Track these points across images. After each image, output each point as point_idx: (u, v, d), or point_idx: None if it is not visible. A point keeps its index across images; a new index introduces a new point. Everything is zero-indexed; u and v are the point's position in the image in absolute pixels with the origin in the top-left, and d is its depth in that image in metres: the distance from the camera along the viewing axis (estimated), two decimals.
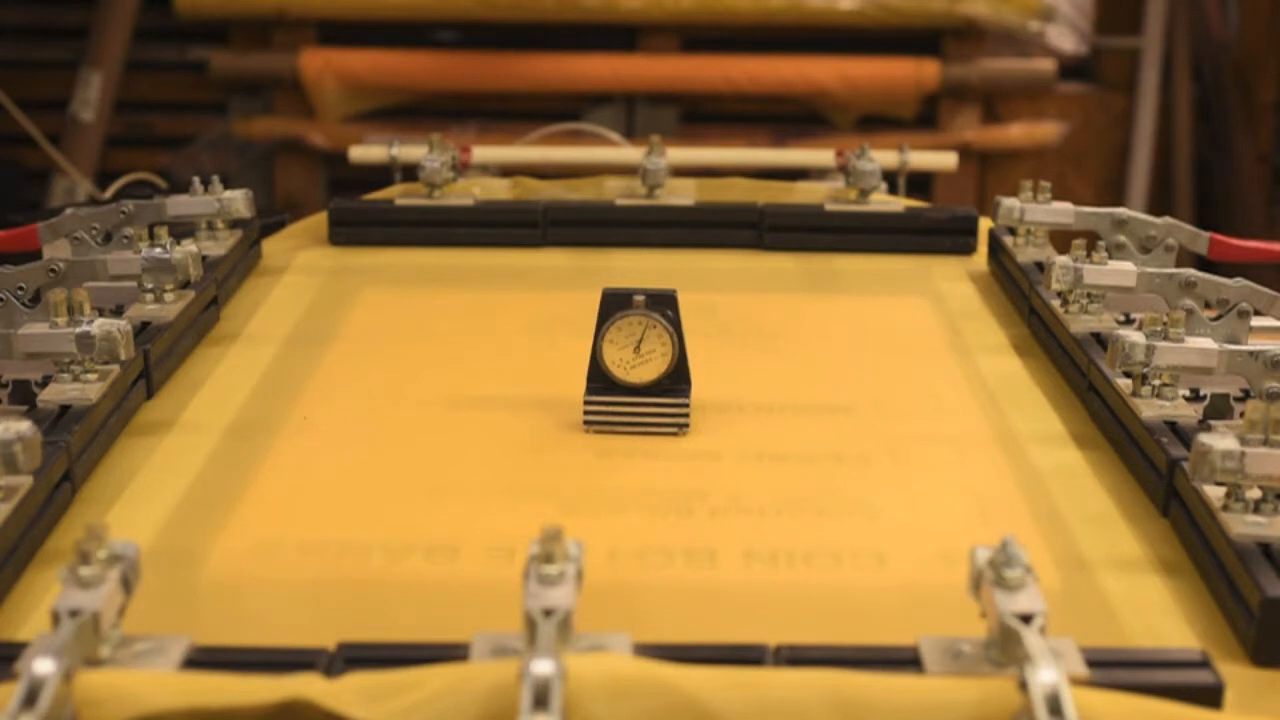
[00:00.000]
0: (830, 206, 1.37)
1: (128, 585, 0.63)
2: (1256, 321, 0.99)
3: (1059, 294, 1.07)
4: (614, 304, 0.93)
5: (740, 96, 2.73)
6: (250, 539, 0.80)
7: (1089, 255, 1.05)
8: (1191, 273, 1.01)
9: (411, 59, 2.72)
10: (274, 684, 0.57)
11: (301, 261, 1.30)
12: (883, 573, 0.78)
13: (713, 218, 1.36)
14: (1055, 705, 0.54)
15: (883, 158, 1.40)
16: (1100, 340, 1.00)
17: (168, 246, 1.06)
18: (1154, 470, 0.85)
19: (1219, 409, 1.00)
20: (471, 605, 0.74)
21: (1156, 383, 0.91)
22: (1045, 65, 2.78)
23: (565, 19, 2.67)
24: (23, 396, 1.00)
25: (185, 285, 1.08)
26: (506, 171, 1.61)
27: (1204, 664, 0.63)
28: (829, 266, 1.31)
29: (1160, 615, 0.73)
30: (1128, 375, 0.92)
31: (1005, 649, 0.60)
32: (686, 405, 0.94)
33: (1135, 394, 0.91)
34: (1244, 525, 0.73)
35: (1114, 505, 0.85)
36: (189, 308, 1.06)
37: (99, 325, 0.90)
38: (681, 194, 1.39)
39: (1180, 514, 0.80)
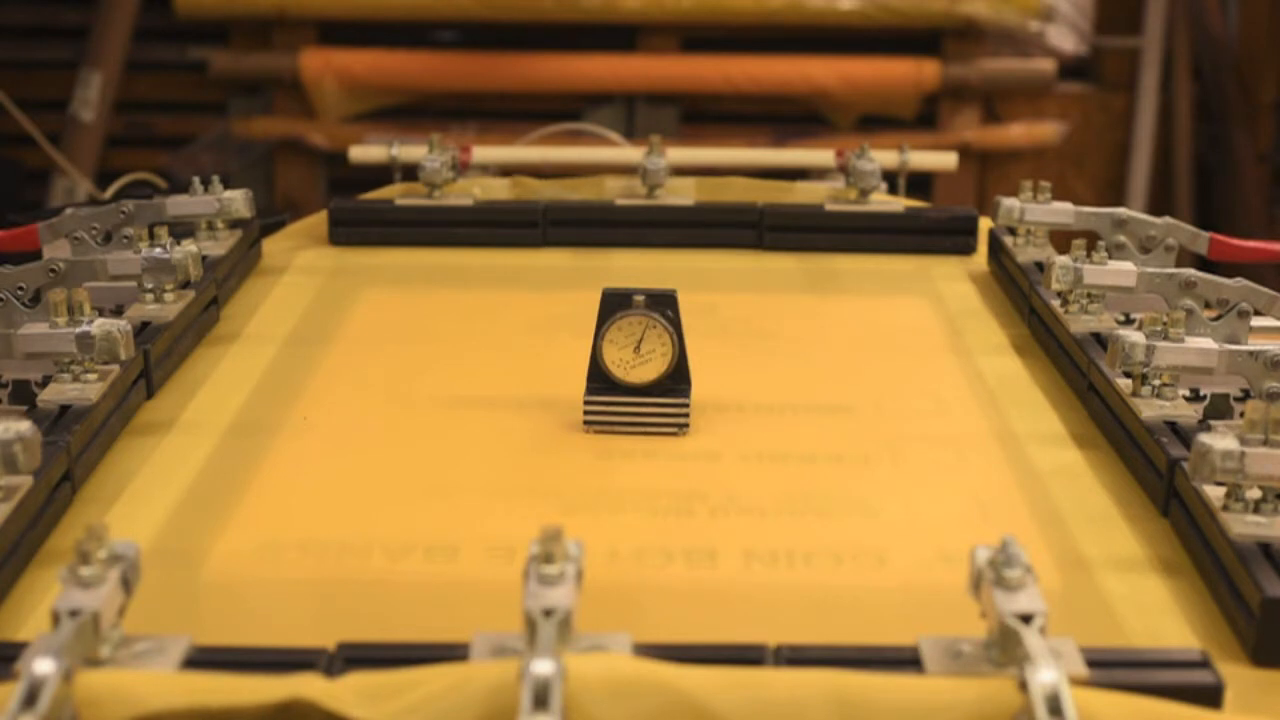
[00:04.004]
0: (830, 206, 1.37)
1: (128, 585, 0.63)
2: (1256, 321, 0.99)
3: (1059, 294, 1.07)
4: (614, 304, 0.93)
5: (740, 96, 2.73)
6: (250, 539, 0.80)
7: (1089, 255, 1.05)
8: (1191, 273, 1.01)
9: (411, 59, 2.72)
10: (274, 684, 0.57)
11: (301, 261, 1.30)
12: (883, 573, 0.78)
13: (713, 218, 1.36)
14: (1055, 705, 0.54)
15: (883, 158, 1.40)
16: (1100, 340, 1.00)
17: (168, 246, 1.06)
18: (1154, 470, 0.85)
19: (1219, 409, 1.00)
20: (471, 605, 0.74)
21: (1156, 383, 0.91)
22: (1045, 65, 2.78)
23: (565, 19, 2.67)
24: (23, 396, 1.00)
25: (185, 285, 1.08)
26: (506, 171, 1.61)
27: (1204, 664, 0.63)
28: (829, 266, 1.31)
29: (1160, 615, 0.73)
30: (1128, 375, 0.92)
31: (1005, 649, 0.60)
32: (686, 405, 0.94)
33: (1135, 394, 0.91)
34: (1244, 525, 0.73)
35: (1114, 505, 0.85)
36: (189, 308, 1.06)
37: (99, 325, 0.90)
38: (681, 194, 1.39)
39: (1180, 514, 0.80)
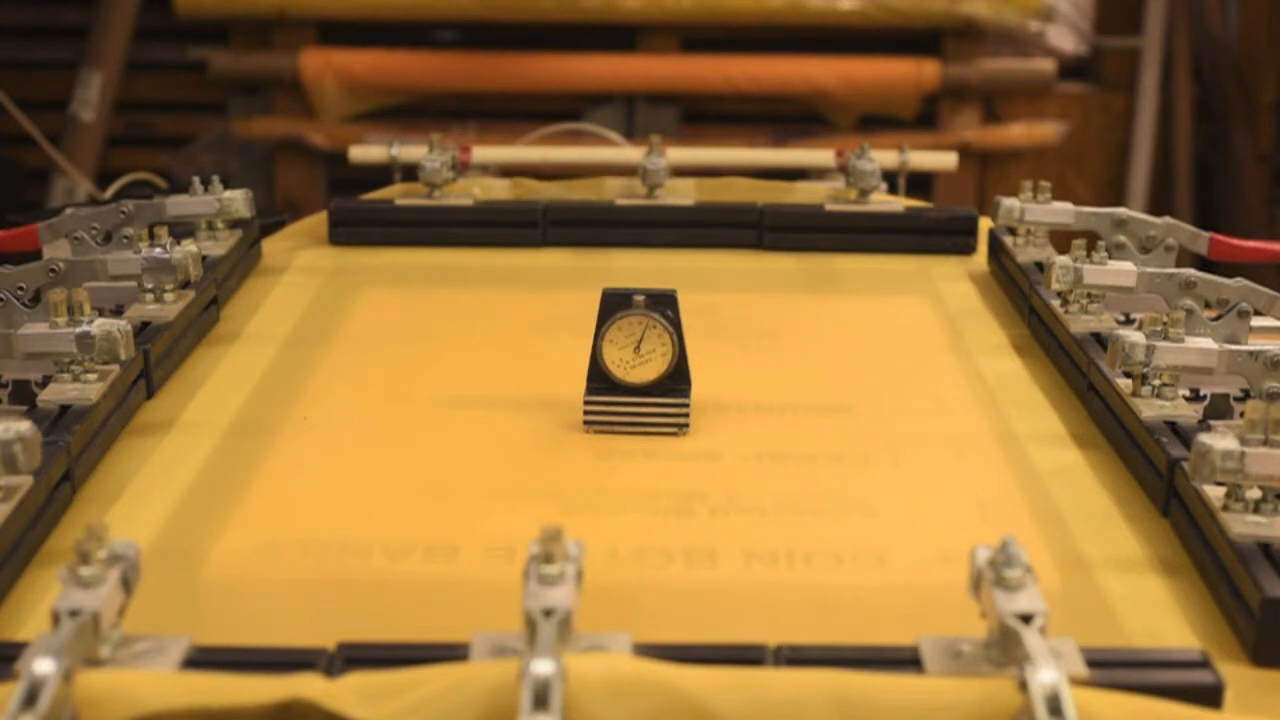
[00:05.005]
0: (830, 206, 1.37)
1: (128, 585, 0.63)
2: (1256, 321, 0.99)
3: (1059, 294, 1.07)
4: (614, 304, 0.93)
5: (740, 96, 2.73)
6: (250, 539, 0.80)
7: (1089, 255, 1.05)
8: (1191, 273, 1.01)
9: (411, 59, 2.72)
10: (274, 684, 0.57)
11: (301, 261, 1.30)
12: (883, 573, 0.78)
13: (713, 218, 1.36)
14: (1055, 705, 0.54)
15: (883, 158, 1.40)
16: (1100, 340, 1.00)
17: (168, 246, 1.06)
18: (1154, 470, 0.85)
19: (1219, 409, 1.00)
20: (471, 605, 0.74)
21: (1156, 383, 0.91)
22: (1045, 65, 2.78)
23: (565, 19, 2.67)
24: (23, 396, 1.00)
25: (185, 285, 1.08)
26: (506, 171, 1.61)
27: (1204, 664, 0.63)
28: (829, 266, 1.31)
29: (1160, 615, 0.73)
30: (1128, 375, 0.92)
31: (1005, 649, 0.60)
32: (686, 405, 0.94)
33: (1135, 394, 0.91)
34: (1244, 525, 0.73)
35: (1114, 505, 0.85)
36: (189, 308, 1.06)
37: (99, 325, 0.90)
38: (681, 194, 1.39)
39: (1180, 514, 0.80)
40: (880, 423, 0.98)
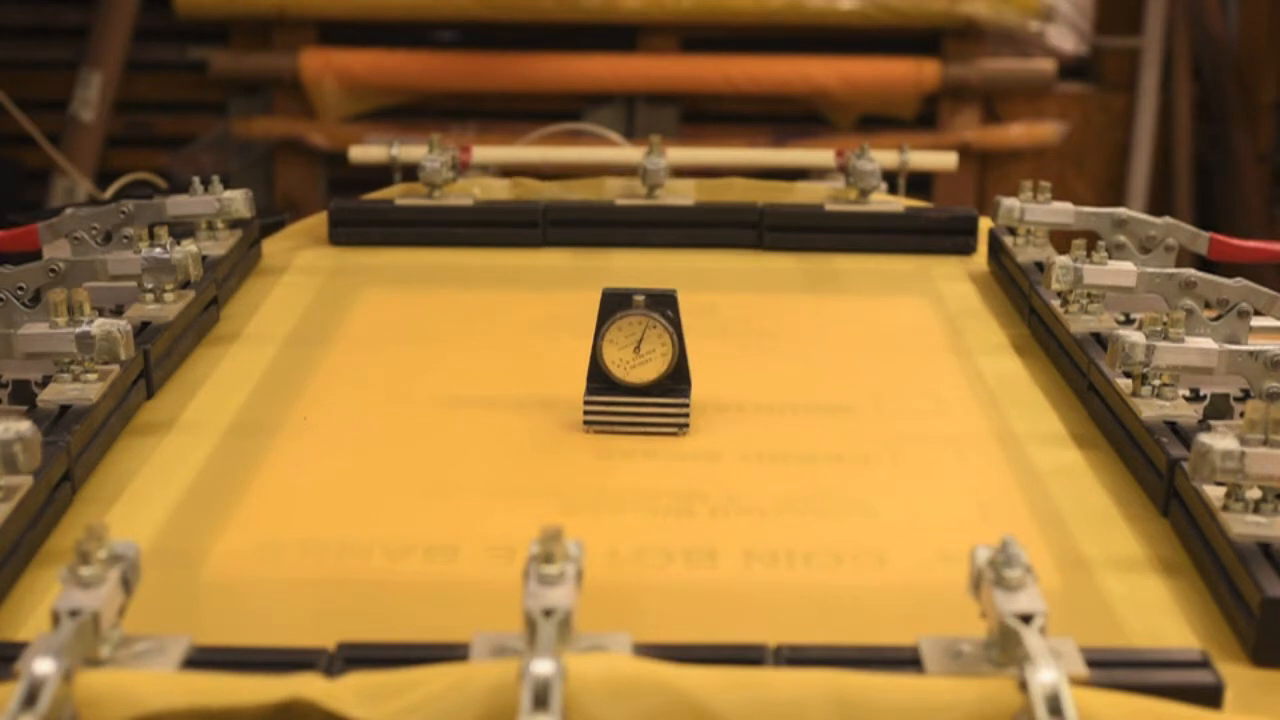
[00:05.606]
0: (830, 206, 1.37)
1: (128, 585, 0.63)
2: (1256, 321, 0.99)
3: (1059, 294, 1.07)
4: (614, 304, 0.93)
5: (740, 96, 2.73)
6: (250, 539, 0.80)
7: (1089, 255, 1.05)
8: (1191, 273, 1.01)
9: (411, 59, 2.72)
10: (274, 684, 0.57)
11: (301, 261, 1.30)
12: (883, 573, 0.78)
13: (713, 218, 1.36)
14: (1055, 705, 0.54)
15: (883, 158, 1.40)
16: (1100, 340, 1.00)
17: (168, 246, 1.06)
18: (1154, 470, 0.85)
19: (1219, 409, 1.00)
20: (471, 605, 0.74)
21: (1156, 383, 0.91)
22: (1045, 65, 2.78)
23: (565, 19, 2.68)
24: (23, 396, 1.00)
25: (185, 285, 1.08)
26: (506, 171, 1.61)
27: (1204, 664, 0.63)
28: (829, 266, 1.31)
29: (1160, 615, 0.73)
30: (1128, 375, 0.92)
31: (1005, 649, 0.60)
32: (686, 405, 0.94)
33: (1135, 394, 0.91)
34: (1244, 525, 0.73)
35: (1114, 505, 0.85)
36: (189, 308, 1.06)
37: (99, 325, 0.90)
38: (681, 194, 1.39)
39: (1180, 514, 0.80)
40: (880, 423, 0.98)
